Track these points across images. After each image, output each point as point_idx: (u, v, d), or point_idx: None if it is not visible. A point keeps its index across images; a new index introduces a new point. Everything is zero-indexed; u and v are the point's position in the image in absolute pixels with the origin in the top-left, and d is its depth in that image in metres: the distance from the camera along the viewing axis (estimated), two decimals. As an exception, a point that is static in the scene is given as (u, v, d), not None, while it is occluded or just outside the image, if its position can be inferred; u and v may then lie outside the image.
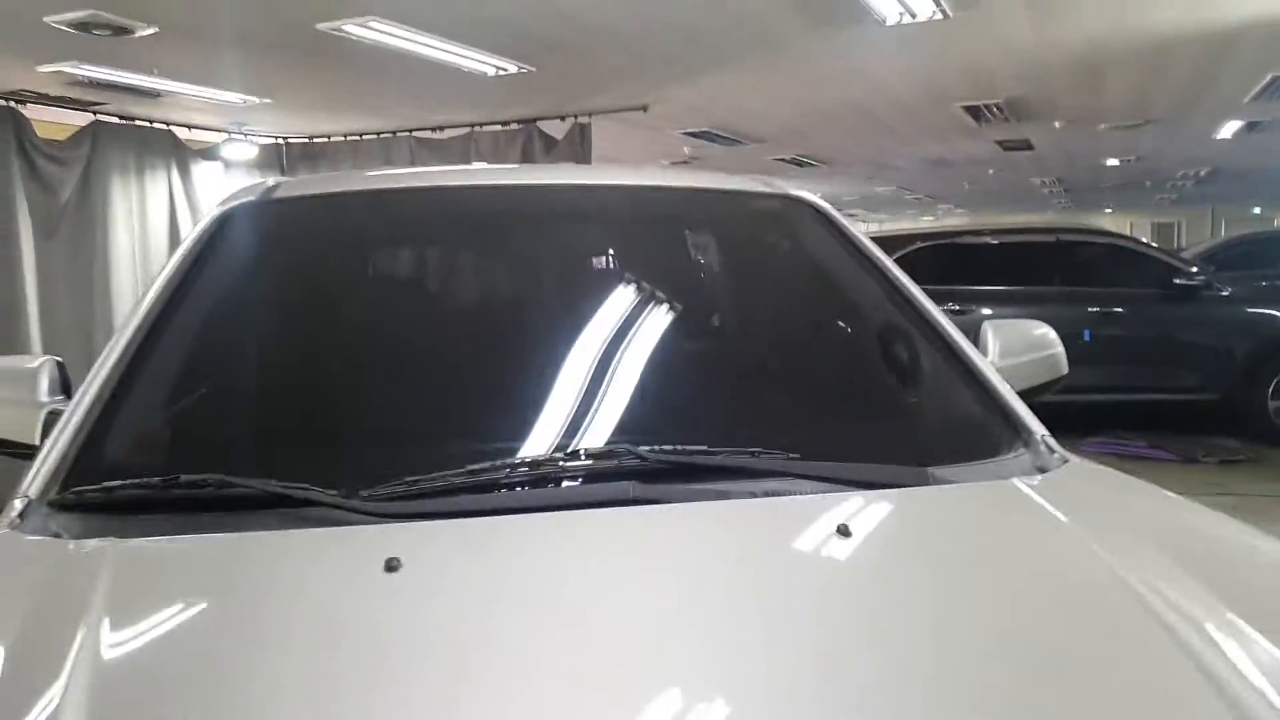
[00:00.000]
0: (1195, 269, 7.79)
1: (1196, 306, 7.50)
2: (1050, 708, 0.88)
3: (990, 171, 13.44)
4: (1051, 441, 1.63)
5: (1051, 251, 7.82)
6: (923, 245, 7.80)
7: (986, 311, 7.62)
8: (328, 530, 1.16)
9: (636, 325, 1.72)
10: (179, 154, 7.28)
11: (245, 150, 7.71)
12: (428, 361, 1.68)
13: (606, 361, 1.59)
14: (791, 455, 1.36)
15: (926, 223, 27.01)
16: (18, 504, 1.33)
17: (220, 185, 7.57)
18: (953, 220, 26.38)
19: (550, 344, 1.68)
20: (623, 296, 1.84)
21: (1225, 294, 7.58)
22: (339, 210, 2.00)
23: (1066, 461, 1.54)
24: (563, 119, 7.39)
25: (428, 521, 1.18)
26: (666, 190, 2.20)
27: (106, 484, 1.32)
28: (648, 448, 1.31)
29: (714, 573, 1.10)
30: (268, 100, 6.76)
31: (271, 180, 2.08)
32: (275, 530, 1.17)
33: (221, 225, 1.84)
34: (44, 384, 1.64)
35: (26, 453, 1.58)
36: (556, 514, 1.22)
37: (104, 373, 1.52)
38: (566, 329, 1.70)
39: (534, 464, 1.32)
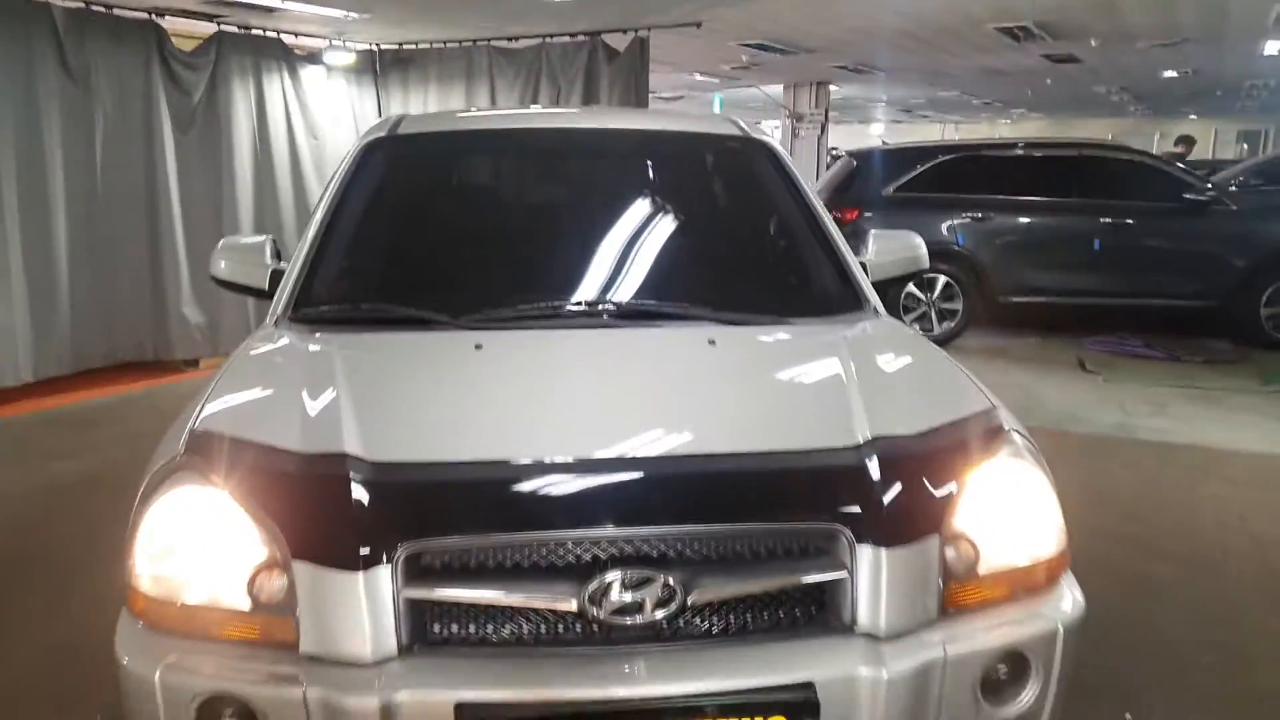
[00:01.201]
0: (1209, 185, 8.35)
1: (1203, 220, 8.12)
2: (768, 409, 1.91)
3: (1047, 81, 13.73)
4: (880, 309, 2.62)
5: (1072, 165, 8.45)
6: (945, 158, 8.50)
7: (1006, 219, 8.36)
8: (443, 333, 2.25)
9: (630, 223, 2.77)
10: (288, 59, 8.32)
11: (344, 56, 8.71)
12: (500, 242, 2.74)
13: (611, 246, 2.67)
14: (704, 308, 2.39)
15: (1004, 126, 26.88)
16: (270, 321, 2.46)
17: (324, 86, 8.65)
18: (1028, 126, 26.22)
19: (578, 233, 2.76)
20: (626, 204, 2.88)
21: (1233, 209, 8.17)
22: (443, 142, 3.04)
23: (879, 317, 2.53)
24: (624, 32, 8.19)
25: (498, 330, 2.25)
26: (665, 131, 3.18)
27: (321, 309, 2.42)
28: (622, 301, 2.38)
29: (639, 352, 2.19)
30: (366, 15, 7.73)
31: (394, 117, 3.11)
32: (416, 332, 2.26)
33: (366, 151, 2.90)
34: (268, 252, 2.75)
35: (259, 294, 2.70)
36: (567, 330, 2.29)
37: (305, 247, 2.61)
38: (589, 224, 2.78)
39: (557, 305, 2.38)
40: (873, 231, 2.94)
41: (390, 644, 1.47)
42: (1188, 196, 8.13)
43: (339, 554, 1.49)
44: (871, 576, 1.55)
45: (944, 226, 8.42)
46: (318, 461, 1.63)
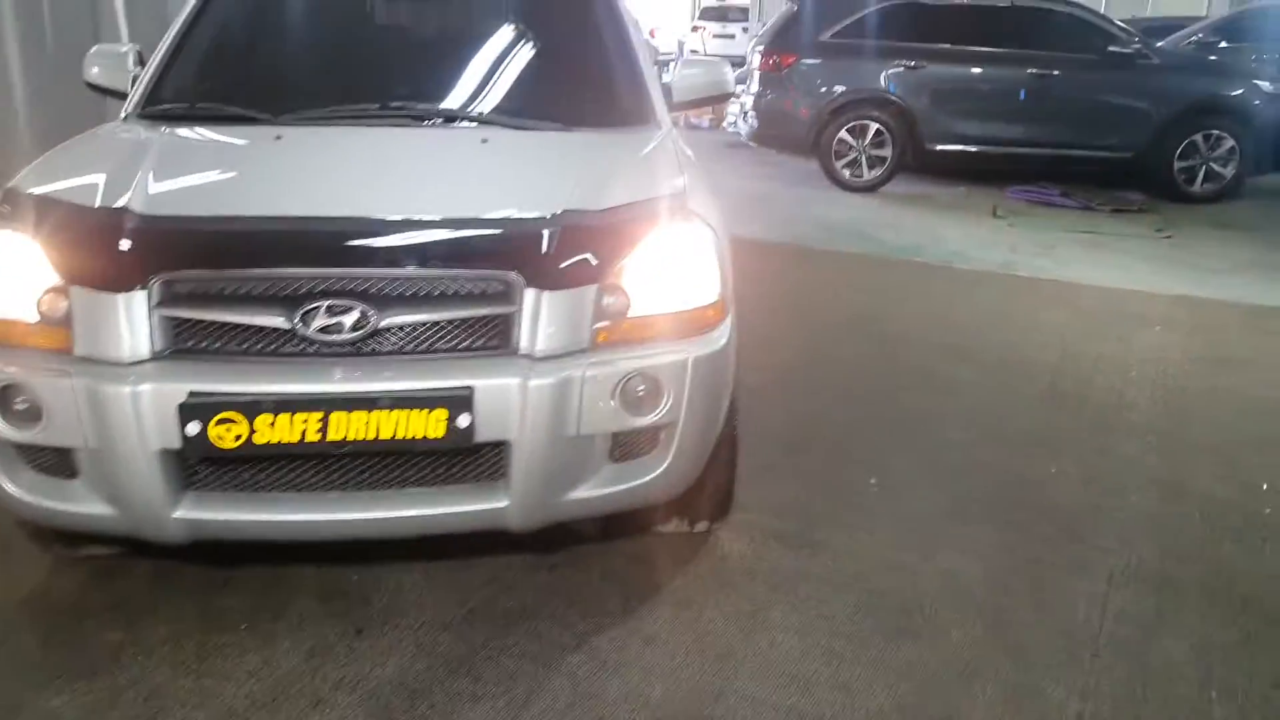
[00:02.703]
0: (1135, 39, 8.45)
1: (1125, 74, 8.28)
2: (491, 188, 2.28)
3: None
4: (664, 123, 2.94)
5: (1004, 17, 8.50)
6: (880, 5, 8.54)
7: (937, 68, 8.48)
8: (260, 127, 2.58)
9: (449, 38, 3.09)
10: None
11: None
12: (328, 51, 3.04)
13: (429, 59, 3.04)
14: (501, 114, 2.71)
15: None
16: (123, 115, 2.78)
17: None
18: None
19: (401, 46, 3.09)
20: (451, 21, 3.16)
21: (1155, 63, 8.31)
22: None
23: (659, 129, 2.85)
24: None
25: (305, 126, 2.59)
26: None
27: (163, 106, 2.74)
28: (423, 105, 2.72)
29: (412, 144, 2.56)
30: None
31: None
32: (235, 125, 2.59)
33: None
34: (131, 59, 3.02)
35: (121, 95, 2.99)
36: (366, 128, 2.63)
37: (158, 54, 2.90)
38: (415, 38, 3.12)
39: (365, 108, 2.70)
40: (681, 60, 3.22)
41: (144, 350, 1.87)
42: (1112, 49, 8.26)
43: (105, 281, 1.89)
44: (532, 313, 1.95)
45: (876, 74, 8.56)
46: (101, 213, 2.00)
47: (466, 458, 2.00)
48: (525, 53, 3.05)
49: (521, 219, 2.07)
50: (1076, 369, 4.17)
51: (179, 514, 1.93)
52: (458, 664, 2.19)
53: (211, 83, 2.96)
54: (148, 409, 1.81)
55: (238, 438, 1.81)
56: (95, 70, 3.07)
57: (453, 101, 2.78)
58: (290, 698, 2.07)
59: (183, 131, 2.60)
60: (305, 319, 1.89)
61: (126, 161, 2.25)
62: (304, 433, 1.82)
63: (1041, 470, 3.20)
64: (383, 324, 1.91)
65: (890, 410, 3.68)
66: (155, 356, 1.88)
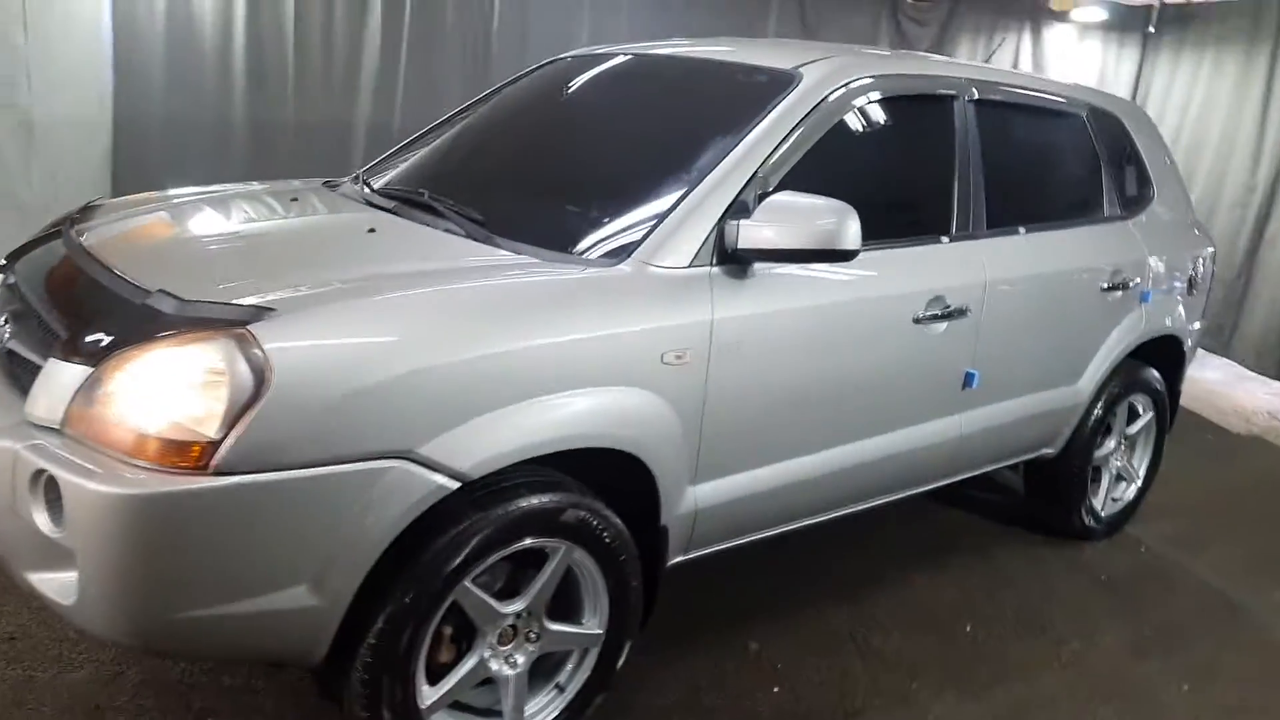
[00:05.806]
0: None
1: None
2: (223, 268, 2.21)
3: None
4: (652, 266, 2.28)
5: None
6: None
7: None
8: (326, 191, 2.90)
9: (563, 141, 2.98)
10: (1033, 16, 8.07)
11: (1096, 13, 7.95)
12: (485, 147, 3.15)
13: (521, 156, 3.00)
14: (468, 212, 2.48)
15: None
16: (354, 182, 3.23)
17: (1071, 46, 8.10)
18: None
19: (528, 146, 3.05)
20: (594, 128, 2.98)
21: None
22: (567, 65, 3.35)
23: (609, 268, 2.27)
24: None
25: (349, 200, 2.82)
26: (707, 61, 3.05)
27: (356, 174, 3.26)
28: (426, 194, 2.63)
29: (305, 223, 2.72)
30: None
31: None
32: (334, 192, 2.95)
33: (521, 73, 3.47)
34: None
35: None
36: (367, 209, 2.72)
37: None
38: (551, 138, 3.04)
39: (408, 195, 2.72)
40: (775, 197, 2.33)
41: None
42: None
43: None
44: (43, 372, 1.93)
45: None
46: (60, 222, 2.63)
47: None
48: (603, 162, 2.75)
49: (129, 286, 2.06)
50: None
51: None
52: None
53: (394, 157, 3.24)
54: None
55: None
56: None
57: (460, 198, 2.60)
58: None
59: (297, 191, 2.99)
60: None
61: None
62: None
63: None
64: (9, 344, 2.14)
65: None
66: None
